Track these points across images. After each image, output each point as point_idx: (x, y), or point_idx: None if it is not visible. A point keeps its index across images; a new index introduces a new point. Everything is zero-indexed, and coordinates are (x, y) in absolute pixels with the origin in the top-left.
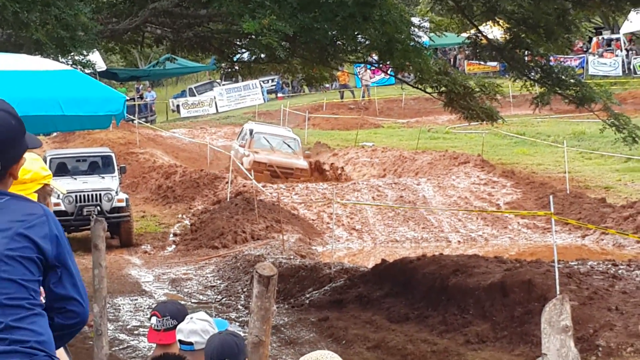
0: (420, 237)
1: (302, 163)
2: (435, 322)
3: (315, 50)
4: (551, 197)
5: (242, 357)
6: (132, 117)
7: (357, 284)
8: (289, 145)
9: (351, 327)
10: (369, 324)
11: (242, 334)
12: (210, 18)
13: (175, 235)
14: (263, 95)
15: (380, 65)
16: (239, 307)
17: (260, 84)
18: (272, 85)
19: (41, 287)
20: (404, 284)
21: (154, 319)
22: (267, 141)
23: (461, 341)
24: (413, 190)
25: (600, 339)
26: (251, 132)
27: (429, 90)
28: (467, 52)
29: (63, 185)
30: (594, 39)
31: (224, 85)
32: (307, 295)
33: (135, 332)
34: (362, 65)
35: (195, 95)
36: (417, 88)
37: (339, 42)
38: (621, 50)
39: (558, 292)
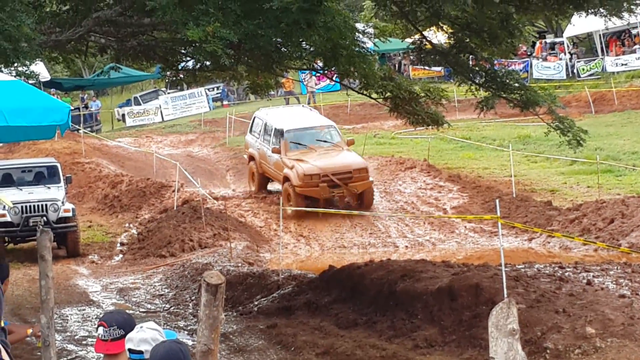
0: (368, 243)
1: (358, 160)
2: (383, 327)
3: (260, 57)
4: (497, 200)
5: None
6: (77, 126)
7: (305, 290)
8: (329, 137)
9: (300, 334)
10: (318, 330)
11: (191, 343)
12: (154, 26)
13: (122, 244)
14: (209, 103)
15: (325, 72)
16: (188, 315)
17: (205, 92)
18: (217, 93)
19: None
20: (352, 290)
21: (101, 329)
22: (302, 141)
23: (410, 346)
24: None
25: (548, 342)
26: (282, 133)
27: (374, 95)
28: (411, 57)
29: (8, 196)
30: (538, 43)
31: (169, 93)
32: (256, 303)
33: (84, 342)
34: (307, 71)
35: (140, 104)
36: (363, 94)
37: (283, 49)
38: (565, 54)
39: (505, 296)
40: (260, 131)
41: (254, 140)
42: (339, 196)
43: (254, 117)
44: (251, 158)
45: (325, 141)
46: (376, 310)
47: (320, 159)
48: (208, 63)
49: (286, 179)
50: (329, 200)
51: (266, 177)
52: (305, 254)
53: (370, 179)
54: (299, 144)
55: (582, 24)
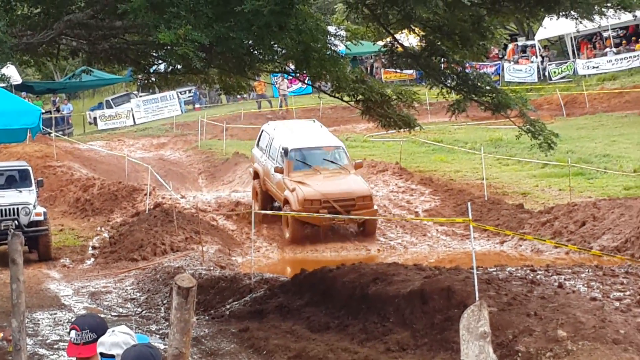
0: (340, 246)
1: (363, 187)
2: (355, 331)
3: (232, 60)
4: (469, 203)
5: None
6: (48, 130)
7: (277, 293)
8: (336, 158)
9: (272, 337)
10: (290, 334)
11: (163, 347)
12: (125, 29)
13: (94, 248)
14: (180, 106)
15: (297, 75)
16: (159, 319)
17: (177, 95)
18: (189, 96)
19: None
20: (324, 293)
21: (73, 333)
22: (306, 161)
23: (382, 349)
24: None
25: (519, 345)
26: (286, 152)
27: (346, 98)
28: (383, 60)
29: None
30: (510, 46)
31: (141, 96)
32: (227, 306)
33: (55, 346)
34: (279, 74)
35: (112, 107)
36: (334, 97)
37: (255, 52)
38: (536, 57)
39: (477, 299)
40: (266, 146)
41: (260, 154)
42: (339, 224)
43: (262, 131)
44: (256, 174)
45: (332, 162)
46: (348, 313)
47: (324, 183)
48: (180, 66)
49: (286, 201)
50: (329, 227)
51: (270, 195)
52: (277, 258)
53: (375, 206)
54: (304, 163)
55: (553, 26)
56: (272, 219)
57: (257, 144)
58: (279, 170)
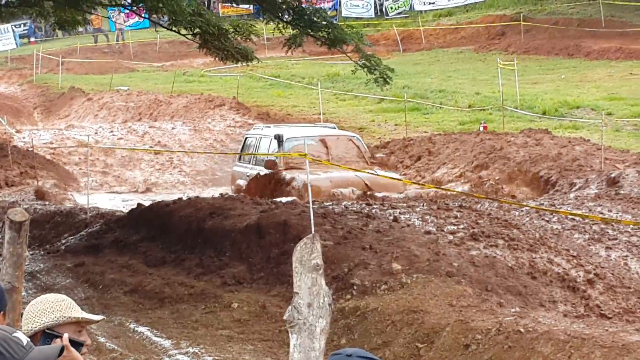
0: (177, 181)
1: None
2: (192, 265)
3: None
4: (305, 139)
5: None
6: None
7: (114, 228)
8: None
9: (108, 272)
10: (126, 268)
11: None
12: None
13: None
14: (15, 39)
15: (134, 8)
16: None
17: (12, 28)
18: (24, 30)
19: None
20: (161, 228)
21: None
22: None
23: (218, 283)
24: (169, 134)
25: (355, 278)
26: (280, 140)
27: (183, 32)
28: None
29: None
30: None
31: None
32: (63, 241)
33: None
34: (116, 8)
35: None
36: (171, 30)
37: None
38: None
39: (313, 233)
40: (254, 150)
41: (244, 167)
42: None
43: (245, 138)
44: (239, 191)
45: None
46: (184, 248)
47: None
48: None
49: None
50: None
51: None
52: (114, 192)
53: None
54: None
55: None
56: None
57: (240, 158)
58: (270, 165)
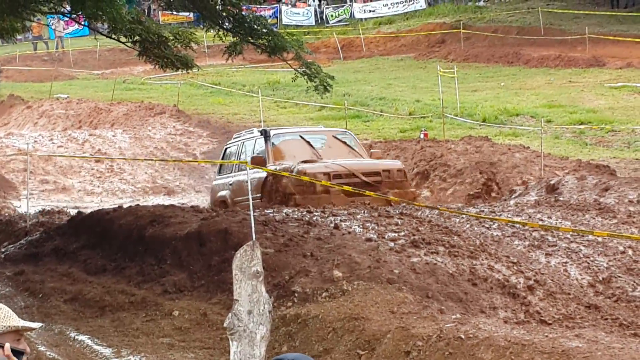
0: (117, 189)
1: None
2: (132, 273)
3: (6, 0)
4: (246, 145)
5: None
6: None
7: (53, 236)
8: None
9: (48, 280)
10: (66, 277)
11: None
12: None
13: None
14: None
15: (74, 16)
16: None
17: None
18: None
19: None
20: (101, 236)
21: None
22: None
23: (159, 291)
24: (109, 142)
25: (296, 285)
26: (267, 136)
27: (122, 39)
28: (161, 2)
29: None
30: None
31: None
32: (2, 250)
33: None
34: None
35: None
36: (111, 38)
37: None
38: (313, 0)
39: (254, 240)
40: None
41: (225, 178)
42: None
43: (225, 149)
44: (223, 203)
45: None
46: (125, 256)
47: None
48: None
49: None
50: None
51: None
52: (54, 201)
53: None
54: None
55: None
56: None
57: (219, 171)
58: (257, 161)
